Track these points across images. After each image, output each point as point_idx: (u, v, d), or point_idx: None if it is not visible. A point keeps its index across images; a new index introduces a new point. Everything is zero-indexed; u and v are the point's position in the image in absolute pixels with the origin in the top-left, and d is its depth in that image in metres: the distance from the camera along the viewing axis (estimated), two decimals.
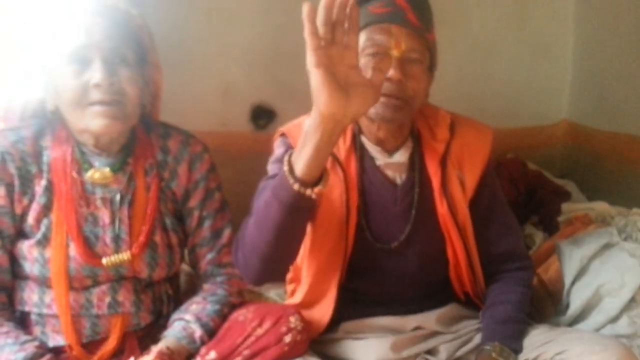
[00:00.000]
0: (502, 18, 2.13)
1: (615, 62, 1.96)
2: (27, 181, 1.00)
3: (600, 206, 1.52)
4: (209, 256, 1.09)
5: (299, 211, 0.89)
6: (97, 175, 1.01)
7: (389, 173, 1.08)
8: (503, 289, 1.09)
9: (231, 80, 1.98)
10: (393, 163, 1.08)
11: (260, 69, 1.99)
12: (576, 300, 1.25)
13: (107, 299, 1.01)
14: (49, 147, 1.01)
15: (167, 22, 1.88)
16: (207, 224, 1.08)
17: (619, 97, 1.95)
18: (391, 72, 0.97)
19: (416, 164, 1.08)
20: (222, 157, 1.83)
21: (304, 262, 1.09)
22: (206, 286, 1.09)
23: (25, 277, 1.02)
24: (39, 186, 1.00)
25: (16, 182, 0.99)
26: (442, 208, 1.06)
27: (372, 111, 1.01)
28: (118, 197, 1.02)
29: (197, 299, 1.06)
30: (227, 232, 1.10)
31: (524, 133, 2.18)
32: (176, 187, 1.07)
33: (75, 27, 0.95)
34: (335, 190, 1.04)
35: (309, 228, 1.05)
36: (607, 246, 1.29)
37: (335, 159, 1.05)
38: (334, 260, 1.05)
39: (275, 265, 0.99)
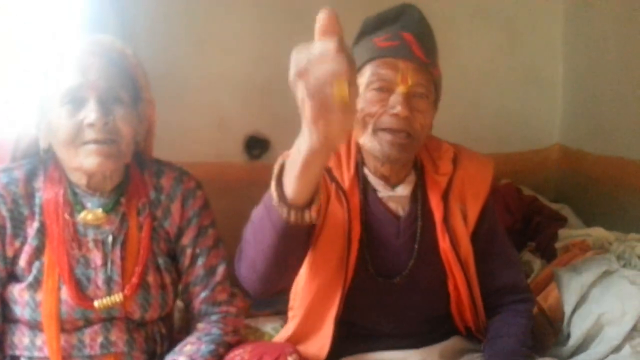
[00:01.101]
0: (493, 46, 2.17)
1: (605, 86, 1.99)
2: (19, 223, 0.99)
3: (598, 232, 1.52)
4: (203, 294, 1.07)
5: (293, 235, 0.85)
6: (89, 216, 1.00)
7: (392, 205, 1.07)
8: (504, 322, 1.08)
9: (225, 110, 1.99)
10: (395, 196, 1.07)
11: (254, 100, 2.00)
12: (577, 330, 1.23)
13: (100, 339, 0.99)
14: (41, 189, 1.00)
15: (161, 54, 1.89)
16: (200, 261, 1.07)
17: (610, 121, 1.97)
18: (398, 109, 0.96)
19: (419, 197, 1.07)
20: (217, 187, 1.82)
21: (298, 293, 1.07)
22: (200, 325, 1.06)
23: (16, 321, 1.00)
24: (31, 228, 0.99)
25: (8, 225, 0.98)
26: (444, 243, 1.05)
27: (377, 149, 1.00)
28: (110, 238, 1.01)
29: (192, 339, 1.04)
30: (221, 269, 1.08)
31: (517, 158, 2.20)
32: (169, 225, 1.06)
33: (70, 66, 0.95)
34: (338, 220, 1.03)
35: (308, 260, 1.03)
36: (607, 273, 1.28)
37: (340, 188, 1.04)
38: (332, 293, 1.03)
39: (275, 282, 0.96)
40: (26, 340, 0.99)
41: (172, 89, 1.90)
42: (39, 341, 0.98)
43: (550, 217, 1.85)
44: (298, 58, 0.65)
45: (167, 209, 1.05)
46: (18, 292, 0.97)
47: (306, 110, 0.67)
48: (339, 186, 1.04)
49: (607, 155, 1.97)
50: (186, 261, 1.07)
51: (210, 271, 1.07)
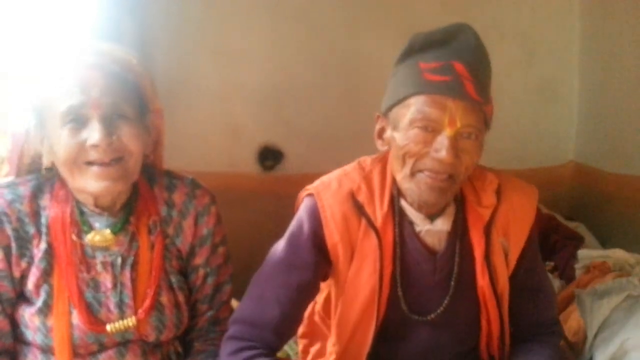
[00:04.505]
0: (508, 61, 2.15)
1: (621, 103, 1.97)
2: (25, 242, 0.94)
3: (618, 254, 1.49)
4: (209, 313, 1.05)
5: None
6: (97, 238, 0.95)
7: (429, 240, 0.99)
8: (532, 352, 1.04)
9: (239, 121, 1.98)
10: (434, 230, 0.99)
11: (267, 110, 1.99)
12: (600, 354, 1.20)
13: None
14: (48, 207, 0.95)
15: (175, 64, 1.89)
16: (210, 280, 1.04)
17: (626, 139, 1.95)
18: (443, 154, 0.88)
19: (458, 231, 1.00)
20: (229, 198, 1.81)
21: (332, 328, 1.03)
22: (197, 344, 1.04)
23: (28, 344, 0.96)
24: (38, 249, 0.94)
25: (13, 245, 0.93)
26: (483, 280, 0.99)
27: (415, 192, 0.93)
28: (119, 260, 0.96)
29: None
30: (227, 288, 1.07)
31: (532, 174, 2.16)
32: (181, 243, 1.01)
33: (70, 83, 0.89)
34: (369, 258, 0.97)
35: (336, 293, 1.00)
36: (630, 297, 1.25)
37: (371, 225, 0.97)
38: (366, 328, 0.99)
39: None
40: None
41: (186, 98, 1.89)
42: None
43: (568, 236, 1.81)
44: None
45: (179, 226, 1.01)
46: (29, 317, 0.94)
47: None
48: (370, 223, 0.97)
49: (623, 174, 1.95)
50: (198, 281, 1.04)
51: (218, 289, 1.05)
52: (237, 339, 0.96)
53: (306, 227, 0.98)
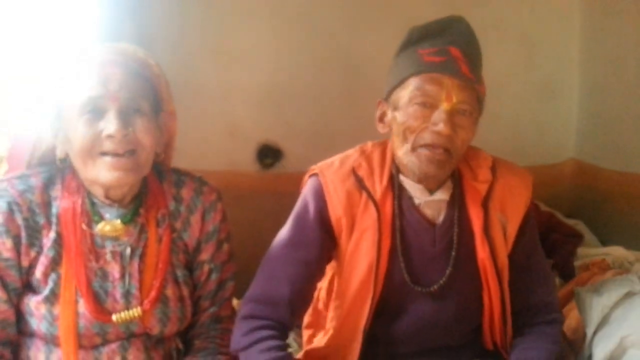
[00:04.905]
0: (508, 60, 2.15)
1: (621, 101, 1.97)
2: (34, 232, 0.96)
3: (617, 251, 1.49)
4: (211, 310, 1.06)
5: None
6: (107, 228, 0.98)
7: (428, 212, 1.05)
8: (531, 345, 1.04)
9: (238, 119, 1.98)
10: (433, 201, 1.04)
11: (267, 109, 1.99)
12: (599, 352, 1.20)
13: (117, 359, 0.97)
14: (59, 198, 0.98)
15: (175, 64, 1.88)
16: (214, 276, 1.06)
17: (626, 136, 1.95)
18: (441, 126, 0.95)
19: (456, 204, 1.05)
20: (228, 196, 1.81)
21: (330, 304, 1.05)
22: (198, 342, 1.05)
23: (31, 335, 0.97)
24: (47, 238, 0.97)
25: (23, 234, 0.96)
26: (483, 252, 1.02)
27: (415, 165, 0.99)
28: (128, 250, 0.98)
29: (188, 359, 1.03)
30: (230, 285, 1.08)
31: (531, 171, 2.16)
32: (188, 238, 1.04)
33: (91, 76, 0.94)
34: (368, 231, 1.01)
35: (337, 269, 1.03)
36: (629, 295, 1.25)
37: (371, 198, 1.02)
38: (362, 303, 1.01)
39: None
40: (42, 357, 0.97)
41: (186, 97, 1.89)
42: (54, 357, 0.96)
43: (568, 234, 1.82)
44: None
45: (187, 221, 1.03)
46: (34, 305, 0.95)
47: None
48: (370, 196, 1.03)
49: (623, 171, 1.94)
50: (202, 277, 1.05)
51: (221, 286, 1.07)
52: (251, 318, 0.99)
53: (311, 206, 1.04)
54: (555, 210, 2.01)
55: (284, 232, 1.05)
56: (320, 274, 1.07)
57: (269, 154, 2.00)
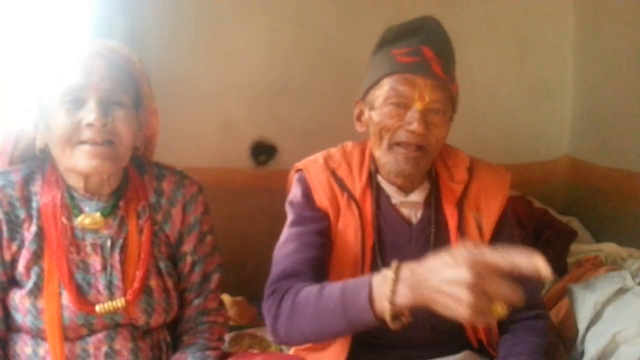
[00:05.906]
0: (502, 58, 2.16)
1: (615, 98, 1.98)
2: (15, 226, 0.97)
3: (610, 247, 1.50)
4: (196, 302, 1.06)
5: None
6: (87, 220, 0.98)
7: (404, 211, 1.08)
8: (517, 340, 1.05)
9: (232, 116, 1.98)
10: (409, 202, 1.07)
11: (261, 106, 1.99)
12: (591, 348, 1.21)
13: (104, 348, 0.96)
14: (39, 193, 0.98)
15: (167, 60, 1.88)
16: (198, 268, 1.06)
17: (619, 134, 1.96)
18: (414, 125, 0.98)
19: (432, 203, 1.08)
20: (222, 193, 1.80)
21: None
22: (186, 338, 1.05)
23: (18, 330, 0.97)
24: (29, 232, 0.97)
25: (4, 228, 0.96)
26: None
27: (392, 163, 1.02)
28: (109, 243, 0.99)
29: (177, 355, 1.02)
30: (215, 277, 1.08)
31: (526, 169, 2.18)
32: (169, 230, 1.04)
33: (74, 66, 0.94)
34: (351, 228, 1.04)
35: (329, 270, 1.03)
36: (621, 291, 1.25)
37: (351, 196, 1.06)
38: None
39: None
40: (28, 350, 0.96)
41: (180, 94, 1.89)
42: (41, 351, 0.95)
43: (561, 231, 1.82)
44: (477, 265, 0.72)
45: (168, 213, 1.04)
46: (19, 300, 0.95)
47: (460, 308, 0.74)
48: (350, 195, 1.06)
49: (616, 168, 1.96)
50: (185, 268, 1.06)
51: (205, 278, 1.07)
52: (277, 293, 0.98)
53: (300, 192, 1.08)
54: (549, 207, 2.02)
55: (286, 223, 1.08)
56: (330, 244, 1.08)
57: (263, 151, 2.00)
